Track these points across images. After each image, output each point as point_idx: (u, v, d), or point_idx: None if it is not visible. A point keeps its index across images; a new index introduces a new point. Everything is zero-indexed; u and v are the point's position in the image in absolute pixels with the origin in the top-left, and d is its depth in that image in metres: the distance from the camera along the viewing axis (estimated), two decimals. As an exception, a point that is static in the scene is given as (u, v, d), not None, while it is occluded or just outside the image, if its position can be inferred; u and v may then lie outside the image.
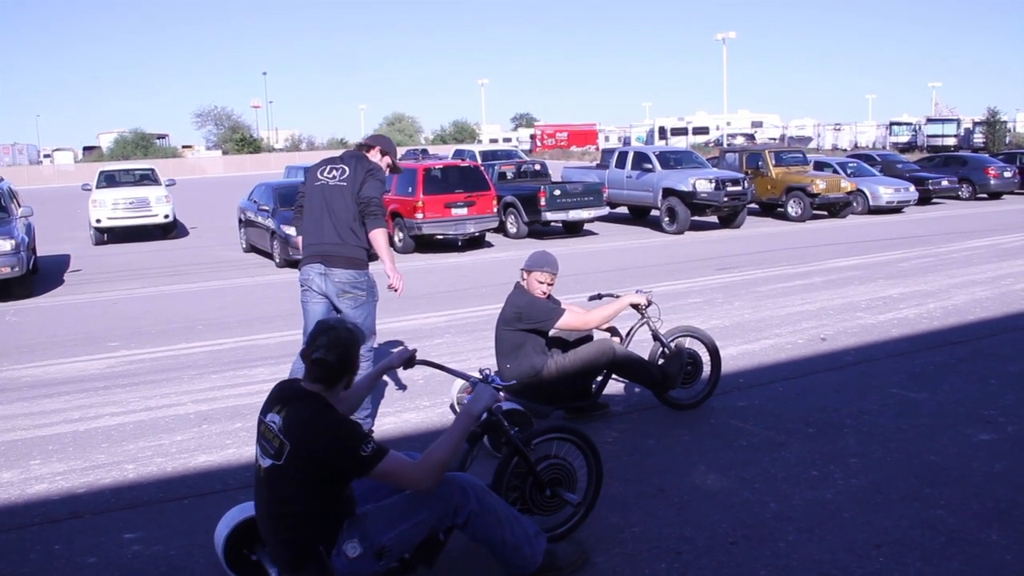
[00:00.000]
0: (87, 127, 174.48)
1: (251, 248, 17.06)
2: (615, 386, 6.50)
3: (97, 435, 6.04)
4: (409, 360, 4.00)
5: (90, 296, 12.45)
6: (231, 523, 3.55)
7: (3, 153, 70.88)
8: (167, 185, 21.11)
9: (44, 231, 18.46)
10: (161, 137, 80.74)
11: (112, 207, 19.18)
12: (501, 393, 3.91)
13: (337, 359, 3.32)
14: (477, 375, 3.95)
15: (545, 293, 5.61)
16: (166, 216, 19.78)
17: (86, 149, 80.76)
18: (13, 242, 11.77)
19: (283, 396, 3.38)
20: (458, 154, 28.94)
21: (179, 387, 7.24)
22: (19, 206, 14.62)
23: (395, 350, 4.06)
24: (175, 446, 5.77)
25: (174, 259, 16.57)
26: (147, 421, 6.34)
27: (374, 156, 5.83)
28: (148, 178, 21.54)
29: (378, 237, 5.55)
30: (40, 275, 14.33)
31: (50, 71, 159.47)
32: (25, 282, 12.33)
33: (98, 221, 19.14)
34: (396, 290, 5.57)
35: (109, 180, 20.92)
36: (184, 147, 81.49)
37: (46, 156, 78.84)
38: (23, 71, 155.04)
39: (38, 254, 15.02)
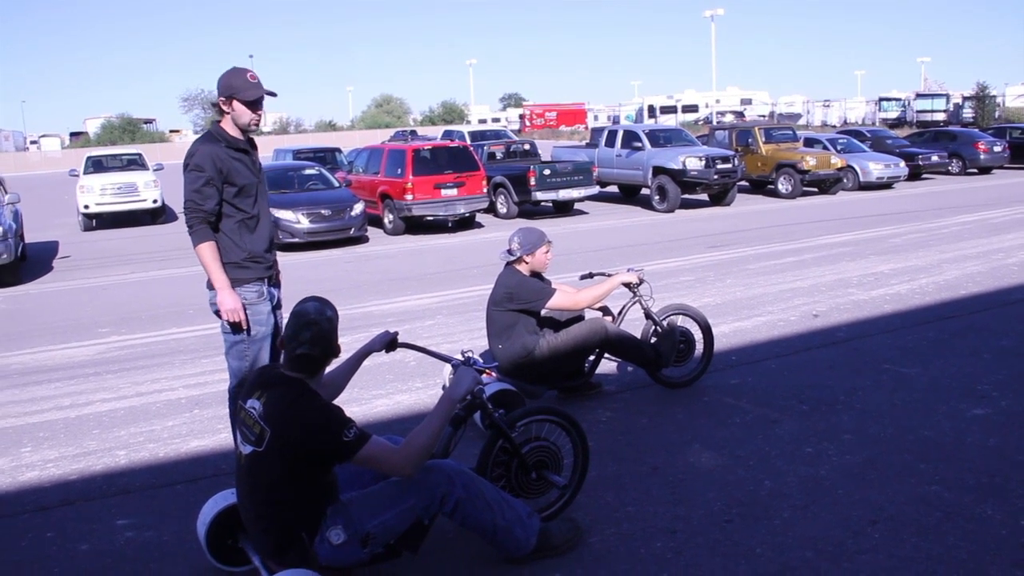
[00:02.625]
0: (74, 113, 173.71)
1: (240, 232, 16.91)
2: (608, 365, 6.47)
3: (88, 421, 6.01)
4: (391, 343, 3.95)
5: (79, 282, 12.38)
6: (213, 511, 3.51)
7: (-10, 140, 70.52)
8: (155, 170, 21.00)
9: (32, 218, 18.31)
10: (148, 122, 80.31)
11: (100, 193, 19.05)
12: (483, 376, 3.88)
13: (322, 352, 3.26)
14: (459, 357, 3.91)
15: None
16: (155, 201, 19.65)
17: (73, 135, 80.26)
18: (1, 229, 11.68)
19: (263, 382, 3.31)
20: (447, 135, 28.89)
21: (170, 372, 7.20)
22: (6, 193, 14.52)
23: (377, 332, 4.00)
24: (167, 431, 5.74)
25: (163, 244, 16.45)
26: (138, 407, 6.30)
27: (228, 121, 4.44)
28: (136, 163, 21.48)
29: (197, 254, 4.26)
30: (28, 262, 14.22)
31: (36, 57, 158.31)
32: (13, 269, 12.25)
33: (86, 207, 18.99)
34: (238, 322, 4.23)
35: (97, 166, 20.85)
36: (172, 131, 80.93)
37: (33, 143, 78.35)
38: (8, 57, 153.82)
39: (26, 241, 14.90)
